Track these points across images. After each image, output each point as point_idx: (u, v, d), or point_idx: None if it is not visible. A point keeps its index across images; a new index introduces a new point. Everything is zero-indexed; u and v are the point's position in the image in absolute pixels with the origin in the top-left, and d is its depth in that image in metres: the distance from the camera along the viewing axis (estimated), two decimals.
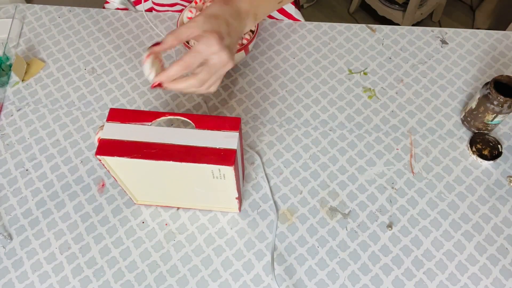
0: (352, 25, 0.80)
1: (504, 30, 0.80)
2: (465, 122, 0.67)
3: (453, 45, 0.77)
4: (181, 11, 0.82)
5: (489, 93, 0.60)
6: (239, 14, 0.51)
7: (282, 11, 0.82)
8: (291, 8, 0.82)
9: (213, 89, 0.53)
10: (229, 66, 0.51)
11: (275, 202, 0.62)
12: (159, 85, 0.50)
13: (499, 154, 0.64)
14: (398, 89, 0.72)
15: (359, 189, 0.63)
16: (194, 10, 0.71)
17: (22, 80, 0.75)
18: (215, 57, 0.48)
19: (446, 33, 0.78)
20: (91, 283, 0.57)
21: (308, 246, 0.59)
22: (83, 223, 0.62)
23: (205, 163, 0.48)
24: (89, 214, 0.62)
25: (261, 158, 0.66)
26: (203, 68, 0.50)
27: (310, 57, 0.76)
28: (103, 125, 0.50)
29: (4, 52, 0.77)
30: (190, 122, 0.51)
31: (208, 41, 0.48)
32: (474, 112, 0.64)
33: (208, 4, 0.73)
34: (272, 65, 0.76)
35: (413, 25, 1.35)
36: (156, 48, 0.50)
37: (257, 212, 0.62)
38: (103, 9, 0.84)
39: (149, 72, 0.50)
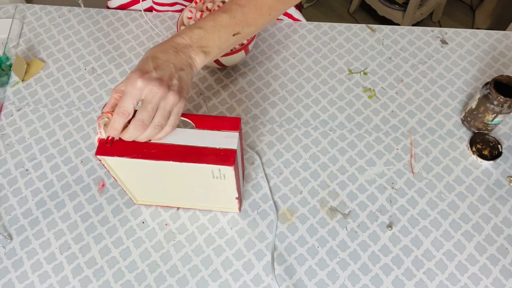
0: (352, 25, 0.80)
1: (504, 30, 0.80)
2: (465, 122, 0.67)
3: (453, 45, 0.77)
4: (181, 11, 0.82)
5: (489, 93, 0.60)
6: (175, 49, 0.50)
7: None
8: (291, 8, 0.82)
9: (168, 129, 0.49)
10: (171, 98, 0.48)
11: (275, 202, 0.62)
12: (112, 139, 0.48)
13: (499, 154, 0.64)
14: (398, 89, 0.72)
15: (359, 189, 0.63)
16: (194, 10, 0.71)
17: (22, 80, 0.75)
18: (145, 92, 0.47)
19: (446, 33, 0.78)
20: (91, 283, 0.57)
21: (308, 246, 0.59)
22: (83, 223, 0.62)
23: (205, 163, 0.48)
24: (89, 214, 0.62)
25: (261, 158, 0.66)
26: (139, 108, 0.48)
27: (310, 57, 0.76)
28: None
29: (4, 52, 0.77)
30: (190, 122, 0.51)
31: (130, 79, 0.47)
32: (474, 112, 0.64)
33: (208, 4, 0.72)
34: (272, 65, 0.76)
35: (413, 25, 1.35)
36: (105, 108, 0.49)
37: (257, 212, 0.62)
38: (103, 9, 0.84)
39: (98, 130, 0.49)
